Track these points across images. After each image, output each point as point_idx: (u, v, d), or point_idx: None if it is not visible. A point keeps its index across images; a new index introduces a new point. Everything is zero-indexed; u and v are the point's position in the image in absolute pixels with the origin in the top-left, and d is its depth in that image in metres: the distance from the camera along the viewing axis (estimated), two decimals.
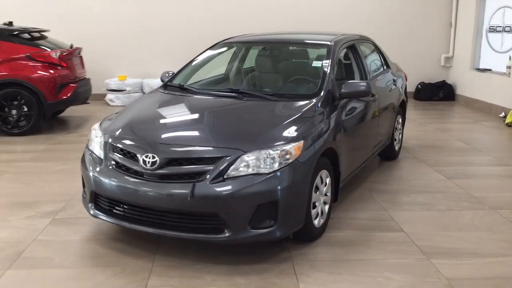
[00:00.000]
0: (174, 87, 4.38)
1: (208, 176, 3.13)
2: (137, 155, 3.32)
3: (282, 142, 3.28)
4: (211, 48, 4.88)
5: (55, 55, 7.31)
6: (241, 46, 4.96)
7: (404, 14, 10.59)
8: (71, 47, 8.02)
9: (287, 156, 3.23)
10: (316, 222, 3.64)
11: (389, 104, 5.33)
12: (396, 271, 3.27)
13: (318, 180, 3.58)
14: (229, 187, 3.10)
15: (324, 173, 3.69)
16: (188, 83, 4.44)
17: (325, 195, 3.78)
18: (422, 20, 10.70)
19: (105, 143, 3.57)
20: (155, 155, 3.24)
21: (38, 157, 6.05)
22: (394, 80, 5.61)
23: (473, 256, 3.50)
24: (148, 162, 3.24)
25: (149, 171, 3.25)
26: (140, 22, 10.03)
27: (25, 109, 7.15)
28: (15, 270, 3.24)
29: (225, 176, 3.14)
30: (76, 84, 7.57)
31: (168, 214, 3.23)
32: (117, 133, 3.57)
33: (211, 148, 3.25)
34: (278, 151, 3.22)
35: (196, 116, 3.77)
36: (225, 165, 3.15)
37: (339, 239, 3.75)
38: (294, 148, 3.26)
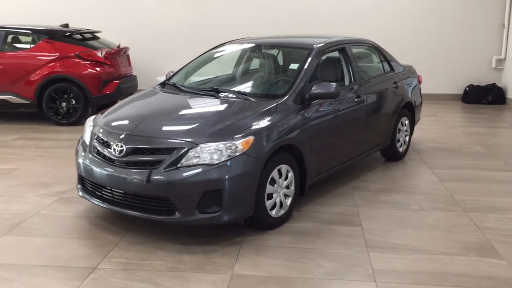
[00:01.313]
0: (168, 85, 4.89)
1: (163, 165, 3.60)
2: (110, 143, 3.86)
3: (231, 137, 3.66)
4: (209, 50, 5.34)
5: (100, 54, 8.12)
6: (235, 49, 5.37)
7: (454, 15, 10.39)
8: (118, 46, 8.81)
9: (234, 150, 3.61)
10: (273, 212, 3.98)
11: (385, 106, 5.48)
12: (329, 260, 3.54)
13: (275, 173, 3.92)
14: (179, 175, 3.55)
15: (284, 167, 4.01)
16: (180, 82, 4.92)
17: (287, 188, 4.10)
18: (473, 21, 10.44)
19: (92, 132, 4.15)
20: (122, 144, 3.76)
21: (74, 145, 6.81)
22: (395, 83, 5.73)
23: (412, 252, 3.67)
24: (117, 150, 3.77)
25: (118, 158, 3.77)
26: (189, 21, 10.65)
27: (73, 102, 8.02)
28: (9, 236, 3.89)
29: (178, 165, 3.59)
30: (120, 80, 8.33)
31: (131, 196, 3.74)
32: (101, 124, 4.13)
33: (169, 140, 3.70)
34: (226, 145, 3.61)
35: (167, 111, 4.26)
36: (178, 155, 3.60)
37: (296, 229, 4.06)
38: (241, 143, 3.64)
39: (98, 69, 8.06)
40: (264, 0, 10.50)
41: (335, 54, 5.16)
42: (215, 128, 3.77)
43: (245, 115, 3.96)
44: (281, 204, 4.06)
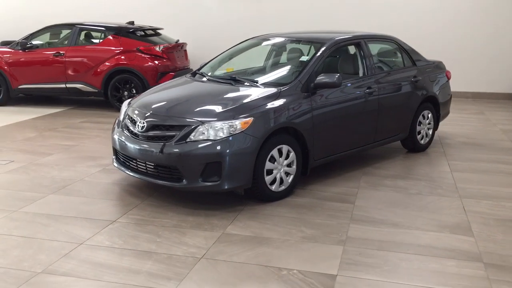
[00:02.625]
0: (197, 74, 5.56)
1: (174, 139, 4.25)
2: (136, 121, 4.58)
3: (233, 118, 4.24)
4: (236, 45, 5.96)
5: (158, 48, 9.00)
6: (259, 43, 5.92)
7: (509, 14, 10.21)
8: (176, 42, 9.66)
9: (234, 129, 4.19)
10: (273, 187, 4.51)
11: (401, 98, 5.80)
12: (311, 227, 4.02)
13: (275, 152, 4.45)
14: (186, 148, 4.19)
15: (284, 147, 4.53)
16: (208, 72, 5.56)
17: (289, 166, 4.61)
18: None
19: (125, 112, 4.90)
20: (144, 121, 4.47)
21: None
22: (415, 77, 6.01)
23: (390, 226, 4.05)
24: (140, 126, 4.48)
25: (141, 133, 4.48)
26: (245, 18, 11.28)
27: (134, 91, 8.95)
28: (55, 195, 4.73)
29: (187, 140, 4.23)
30: (175, 73, 9.16)
31: (150, 166, 4.43)
32: (133, 105, 4.87)
33: (181, 119, 4.35)
34: (227, 124, 4.20)
35: (187, 95, 4.91)
36: (187, 131, 4.24)
37: (293, 203, 4.56)
38: (241, 123, 4.21)
39: (156, 62, 8.94)
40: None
41: (351, 48, 5.56)
42: (220, 110, 4.37)
43: (250, 99, 4.52)
44: (282, 181, 4.57)
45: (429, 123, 6.37)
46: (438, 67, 6.62)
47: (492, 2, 10.23)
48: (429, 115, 6.34)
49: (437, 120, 6.53)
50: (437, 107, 6.45)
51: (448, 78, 6.75)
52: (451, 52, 10.32)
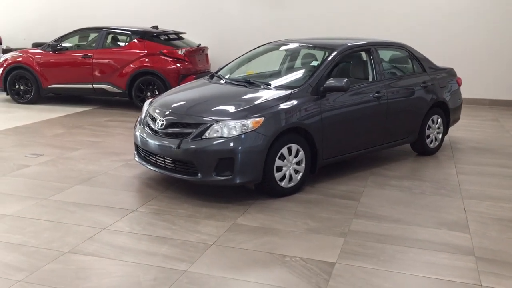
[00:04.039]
0: (215, 76, 5.90)
1: (191, 136, 4.59)
2: (156, 119, 4.93)
3: (245, 117, 4.56)
4: (253, 49, 6.28)
5: (180, 52, 9.39)
6: (276, 48, 6.23)
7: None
8: (198, 46, 10.04)
9: (246, 127, 4.51)
10: (283, 183, 4.81)
11: (410, 103, 6.04)
12: (316, 221, 4.31)
13: (284, 150, 4.75)
14: (201, 144, 4.52)
15: (294, 146, 4.83)
16: (225, 74, 5.89)
17: (298, 164, 4.90)
18: None
19: (147, 111, 5.26)
20: (163, 119, 4.82)
21: None
22: (425, 82, 6.24)
23: (390, 222, 4.31)
24: (159, 123, 4.84)
25: (160, 130, 4.84)
26: (266, 23, 11.62)
27: (157, 92, 9.35)
28: (81, 186, 5.11)
29: (202, 137, 4.56)
30: (196, 75, 9.52)
31: (168, 160, 4.77)
32: (154, 104, 5.23)
33: (197, 117, 4.69)
34: (240, 123, 4.52)
35: (204, 96, 5.25)
36: (203, 129, 4.58)
37: (302, 199, 4.85)
38: (252, 122, 4.53)
39: (178, 65, 9.33)
40: (338, 5, 11.14)
41: (362, 54, 5.84)
42: (234, 110, 4.70)
43: (262, 100, 4.83)
44: (291, 177, 4.87)
45: (438, 128, 6.57)
46: (449, 74, 6.83)
47: (508, 10, 10.32)
48: (439, 120, 6.55)
49: (446, 125, 6.73)
50: (447, 112, 6.66)
51: (459, 85, 6.95)
52: (468, 58, 10.47)
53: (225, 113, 4.67)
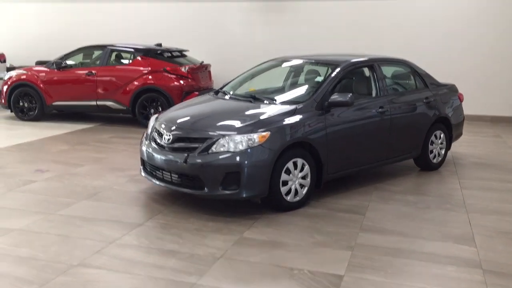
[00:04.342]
0: (220, 92, 5.97)
1: (197, 150, 4.63)
2: (163, 134, 4.98)
3: (251, 131, 4.61)
4: (257, 65, 6.37)
5: (184, 69, 9.49)
6: (279, 64, 6.32)
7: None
8: (201, 63, 10.15)
9: (252, 142, 4.55)
10: (288, 198, 4.84)
11: (413, 118, 6.10)
12: (322, 234, 4.32)
13: (290, 164, 4.79)
14: (208, 158, 4.56)
15: (299, 161, 4.87)
16: (230, 90, 5.96)
17: (303, 178, 4.93)
18: None
19: (153, 126, 5.31)
20: (170, 134, 4.86)
21: None
22: (427, 98, 6.31)
23: (397, 235, 4.33)
24: (167, 138, 4.88)
25: (167, 145, 4.88)
26: (267, 42, 11.75)
27: (160, 109, 9.41)
28: (87, 201, 5.14)
29: (209, 151, 4.60)
30: (199, 92, 9.61)
31: (175, 175, 4.80)
32: (160, 119, 5.28)
33: (204, 132, 4.74)
34: (246, 137, 4.56)
35: (209, 111, 5.30)
36: (209, 144, 4.62)
37: (307, 213, 4.87)
38: (258, 137, 4.57)
39: (181, 82, 9.42)
40: (339, 23, 11.28)
41: (365, 70, 5.92)
42: (240, 124, 4.75)
43: (268, 115, 4.89)
44: (297, 192, 4.90)
45: (441, 143, 6.62)
46: (450, 90, 6.91)
47: (509, 27, 10.45)
48: (442, 135, 6.60)
49: (449, 140, 6.78)
50: (449, 128, 6.71)
51: (461, 101, 7.02)
52: (470, 76, 10.57)
53: (231, 128, 4.72)
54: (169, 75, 9.42)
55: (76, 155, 7.12)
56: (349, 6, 11.22)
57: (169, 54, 9.88)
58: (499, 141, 8.83)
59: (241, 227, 4.46)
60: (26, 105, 9.90)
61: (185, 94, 9.41)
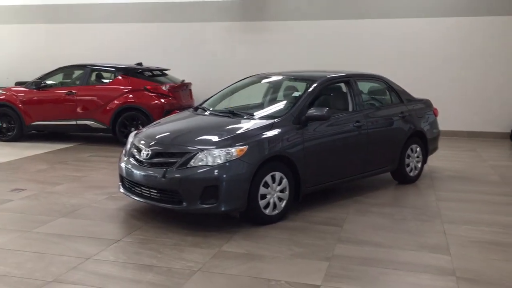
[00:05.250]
0: (199, 108, 6.02)
1: (176, 165, 4.66)
2: (141, 149, 5.00)
3: (229, 146, 4.65)
4: (237, 82, 6.45)
5: (164, 88, 9.54)
6: (258, 80, 6.41)
7: (502, 56, 10.69)
8: (182, 82, 10.21)
9: (230, 155, 4.59)
10: (267, 211, 4.87)
11: (389, 132, 6.21)
12: (300, 246, 4.35)
13: (268, 178, 4.83)
14: (186, 173, 4.58)
15: (277, 174, 4.91)
16: (209, 106, 6.02)
17: (282, 192, 4.97)
18: None
19: (132, 142, 5.33)
20: (149, 150, 4.89)
21: None
22: (402, 112, 6.44)
23: (373, 246, 4.38)
24: (145, 154, 4.90)
25: (145, 160, 4.90)
26: (248, 61, 11.88)
27: (141, 127, 9.40)
28: (64, 218, 5.10)
29: (187, 166, 4.63)
30: (180, 110, 9.64)
31: (153, 190, 4.81)
32: (139, 136, 5.30)
33: (182, 146, 4.77)
34: (224, 151, 4.61)
35: (188, 126, 5.35)
36: (187, 158, 4.65)
37: (286, 226, 4.90)
38: (236, 150, 4.62)
39: (162, 100, 9.45)
40: (320, 43, 11.48)
41: (342, 85, 6.04)
42: (218, 139, 4.79)
43: (246, 129, 4.95)
44: (275, 205, 4.93)
45: (417, 157, 6.74)
46: (425, 105, 7.06)
47: (486, 46, 10.72)
48: (417, 149, 6.72)
49: (425, 154, 6.90)
50: (425, 142, 6.84)
51: (436, 115, 7.17)
52: (446, 92, 10.80)
53: (210, 142, 4.76)
54: (150, 94, 9.45)
55: (55, 174, 7.07)
56: (325, 26, 11.44)
57: (150, 73, 9.94)
58: (475, 155, 9.00)
59: (219, 241, 4.47)
60: (4, 125, 9.82)
61: (166, 113, 9.40)
